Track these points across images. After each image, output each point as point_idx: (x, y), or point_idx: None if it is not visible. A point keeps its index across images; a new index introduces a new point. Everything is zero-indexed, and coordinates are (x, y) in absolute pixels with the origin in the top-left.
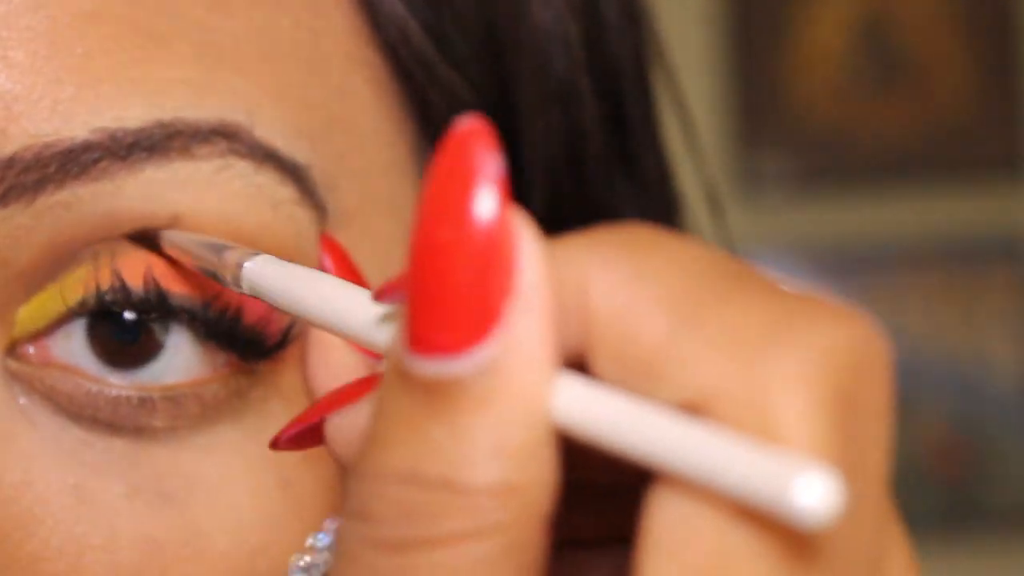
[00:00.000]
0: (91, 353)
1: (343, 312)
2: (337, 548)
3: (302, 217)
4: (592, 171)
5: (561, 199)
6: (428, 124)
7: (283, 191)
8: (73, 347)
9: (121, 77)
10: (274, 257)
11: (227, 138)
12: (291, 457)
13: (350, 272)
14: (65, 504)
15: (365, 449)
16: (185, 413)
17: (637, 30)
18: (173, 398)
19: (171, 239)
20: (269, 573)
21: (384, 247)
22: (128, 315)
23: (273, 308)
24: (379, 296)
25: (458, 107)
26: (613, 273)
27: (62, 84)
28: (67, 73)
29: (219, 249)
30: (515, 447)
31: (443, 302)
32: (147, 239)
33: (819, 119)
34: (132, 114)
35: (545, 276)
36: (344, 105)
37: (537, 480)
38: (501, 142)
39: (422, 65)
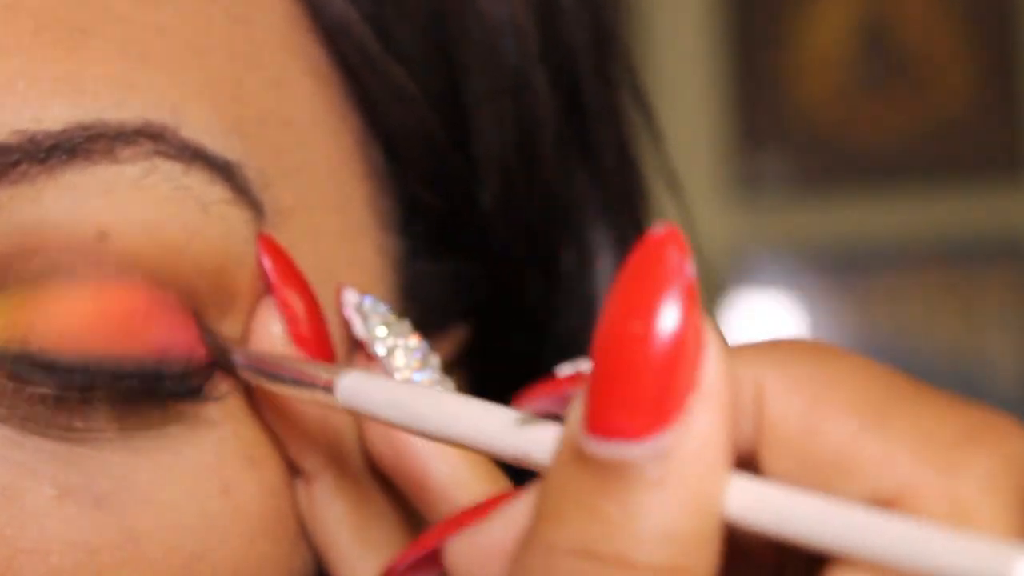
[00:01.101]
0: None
1: (471, 424)
2: None
3: (234, 217)
4: (547, 162)
5: (514, 190)
6: (373, 117)
7: (213, 191)
8: None
9: (40, 76)
10: (365, 372)
11: (152, 139)
12: (233, 464)
13: (289, 271)
14: None
15: (535, 525)
16: (103, 416)
17: (595, 17)
18: (89, 401)
19: (250, 356)
20: None
21: (327, 244)
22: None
23: (197, 344)
24: (522, 401)
25: (402, 99)
26: (791, 376)
27: None
28: None
29: (305, 367)
30: (684, 533)
31: (627, 388)
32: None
33: (819, 119)
34: (52, 115)
35: (726, 375)
36: (280, 98)
37: (700, 566)
38: (454, 132)
39: (364, 57)
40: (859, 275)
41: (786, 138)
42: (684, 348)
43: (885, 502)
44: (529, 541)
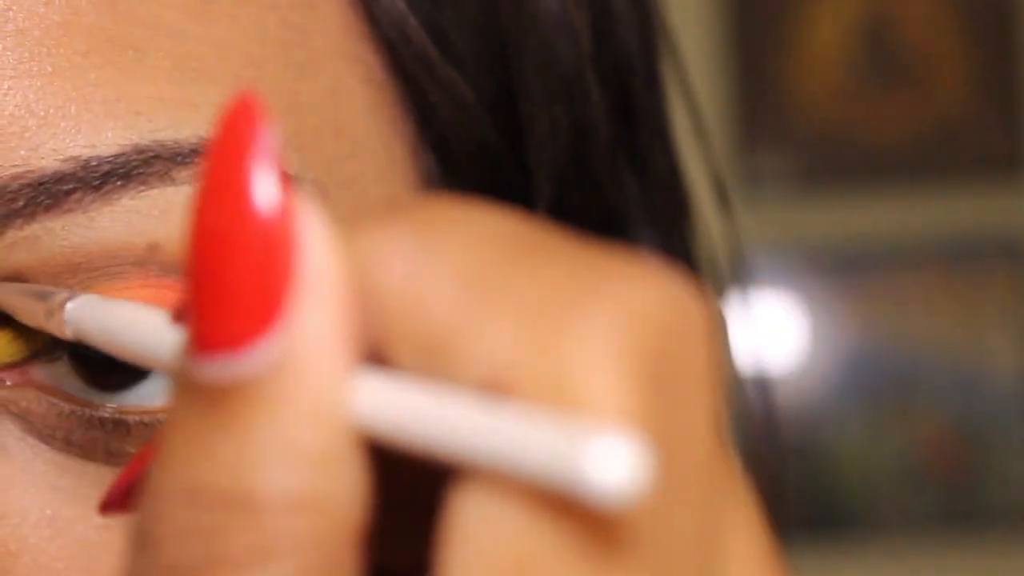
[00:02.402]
0: (75, 375)
1: (156, 343)
2: None
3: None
4: (599, 169)
5: (567, 199)
6: (428, 125)
7: None
8: (57, 369)
9: (93, 98)
10: (97, 296)
11: None
12: None
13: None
14: (43, 537)
15: (151, 468)
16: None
17: (646, 20)
18: (149, 423)
19: None
20: None
21: None
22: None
23: None
24: (178, 316)
25: (458, 106)
26: (403, 252)
27: (29, 108)
28: (35, 95)
29: (44, 295)
30: (309, 453)
31: (221, 295)
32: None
33: (819, 119)
34: (106, 139)
35: (334, 260)
36: (336, 108)
37: (339, 491)
38: (509, 140)
39: (422, 64)
40: (859, 274)
41: (786, 138)
42: (277, 235)
43: (492, 387)
44: (146, 487)
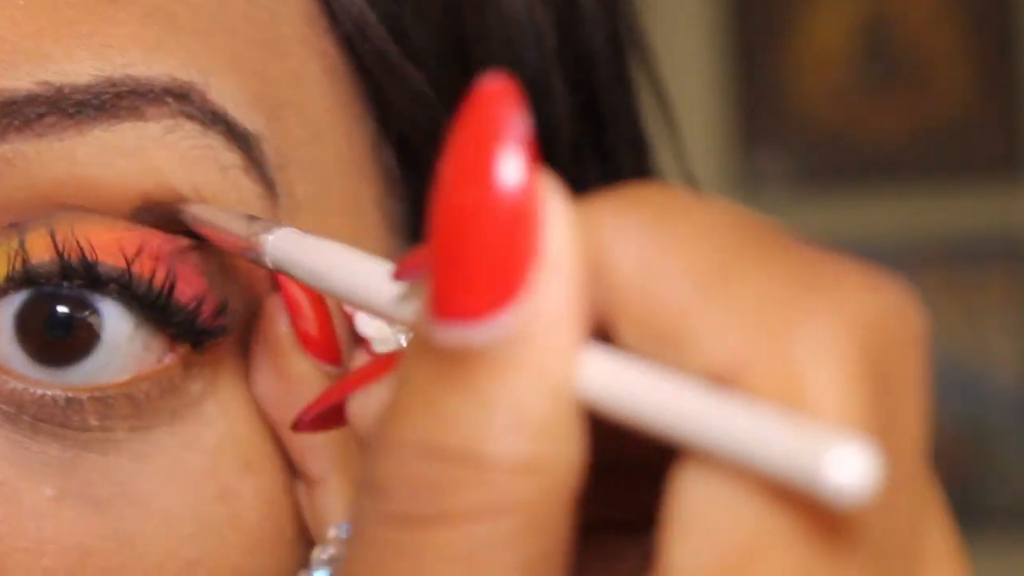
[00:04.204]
0: (20, 349)
1: (368, 287)
2: (351, 525)
3: (247, 187)
4: (563, 168)
5: None
6: (387, 121)
7: (229, 156)
8: (2, 343)
9: (67, 31)
10: (296, 229)
11: (178, 99)
12: (230, 468)
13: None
14: None
15: (383, 422)
16: (116, 414)
17: (614, 18)
18: (102, 399)
19: (195, 214)
20: None
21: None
22: (60, 308)
23: (207, 289)
24: (400, 274)
25: (418, 103)
26: (638, 237)
27: (3, 36)
28: (8, 24)
29: (246, 222)
30: (537, 419)
31: (465, 265)
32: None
33: (819, 119)
34: (79, 69)
35: (573, 240)
36: (300, 91)
37: (561, 456)
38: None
39: (380, 60)
40: None
41: (786, 137)
42: (523, 214)
43: (721, 378)
44: (376, 438)
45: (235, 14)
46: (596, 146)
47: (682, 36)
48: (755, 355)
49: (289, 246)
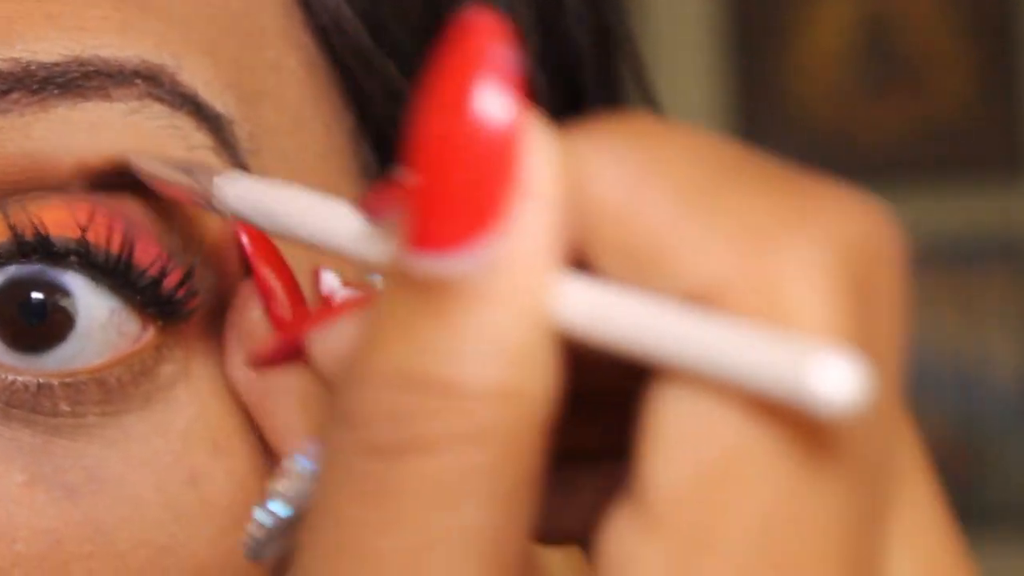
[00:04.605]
0: None
1: (328, 226)
2: (323, 456)
3: (219, 168)
4: None
5: None
6: (366, 117)
7: (198, 136)
8: None
9: (39, 13)
10: (244, 173)
11: (147, 80)
12: (200, 451)
13: (268, 251)
14: None
15: (357, 352)
16: (88, 400)
17: (599, 15)
18: (74, 384)
19: (140, 164)
20: (176, 573)
21: None
22: (35, 295)
23: (167, 256)
24: (366, 209)
25: (395, 99)
26: (616, 163)
27: None
28: None
29: (189, 171)
30: (514, 348)
31: (443, 194)
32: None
33: (819, 119)
34: (48, 48)
35: (552, 170)
36: (277, 81)
37: (536, 384)
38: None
39: (357, 55)
40: None
41: (786, 137)
42: (502, 143)
43: (702, 298)
44: (350, 369)
45: (212, 2)
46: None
47: (682, 36)
48: (736, 274)
49: (241, 191)
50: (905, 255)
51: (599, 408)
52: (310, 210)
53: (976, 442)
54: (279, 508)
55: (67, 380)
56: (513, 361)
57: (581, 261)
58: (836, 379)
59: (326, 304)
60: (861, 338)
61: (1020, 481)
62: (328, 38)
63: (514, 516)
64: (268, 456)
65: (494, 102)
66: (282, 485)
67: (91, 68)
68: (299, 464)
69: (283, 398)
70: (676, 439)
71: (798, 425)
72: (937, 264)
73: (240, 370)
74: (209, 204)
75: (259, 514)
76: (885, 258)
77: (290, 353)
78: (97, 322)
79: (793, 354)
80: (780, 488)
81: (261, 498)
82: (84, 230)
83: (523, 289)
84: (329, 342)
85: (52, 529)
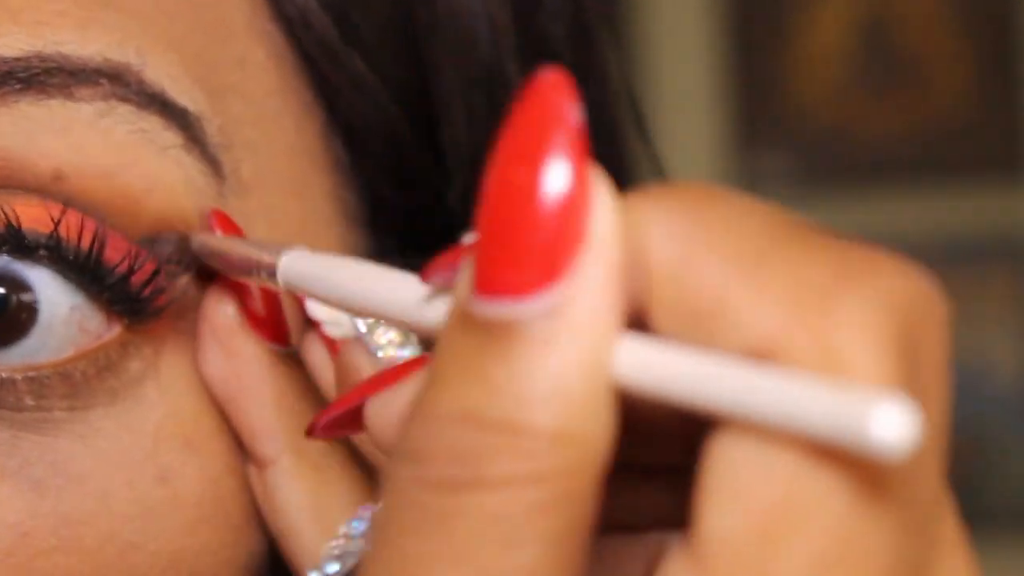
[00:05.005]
0: None
1: (388, 295)
2: (385, 490)
3: (191, 165)
4: None
5: None
6: (335, 109)
7: (167, 136)
8: None
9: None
10: (306, 248)
11: (111, 80)
12: (171, 449)
13: None
14: None
15: (423, 392)
16: (52, 393)
17: (577, 11)
18: (37, 379)
19: (202, 241)
20: (145, 569)
21: (285, 227)
22: None
23: (139, 252)
24: (427, 275)
25: (362, 92)
26: (672, 226)
27: None
28: None
29: (252, 246)
30: (574, 393)
31: (514, 242)
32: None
33: (819, 119)
34: (8, 43)
35: (616, 228)
36: (244, 75)
37: (595, 431)
38: (422, 128)
39: (324, 50)
40: None
41: (786, 137)
42: (572, 198)
43: (759, 354)
44: (416, 408)
45: None
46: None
47: (682, 36)
48: (793, 331)
49: (301, 265)
50: (950, 320)
51: (650, 481)
52: (371, 281)
53: (976, 442)
54: (333, 568)
55: (30, 374)
56: (573, 406)
57: (640, 323)
58: (894, 424)
59: (384, 370)
60: (910, 389)
61: (1020, 481)
62: (294, 31)
63: (568, 559)
64: (242, 454)
65: (566, 161)
66: (337, 547)
67: (52, 64)
68: (354, 529)
69: (257, 397)
70: (732, 487)
71: (850, 470)
72: (937, 264)
73: (214, 367)
74: (271, 278)
75: None
76: (932, 319)
77: (348, 421)
78: (59, 317)
79: (854, 402)
80: (834, 529)
81: (315, 561)
82: (56, 223)
83: (586, 337)
84: (385, 410)
85: (18, 523)
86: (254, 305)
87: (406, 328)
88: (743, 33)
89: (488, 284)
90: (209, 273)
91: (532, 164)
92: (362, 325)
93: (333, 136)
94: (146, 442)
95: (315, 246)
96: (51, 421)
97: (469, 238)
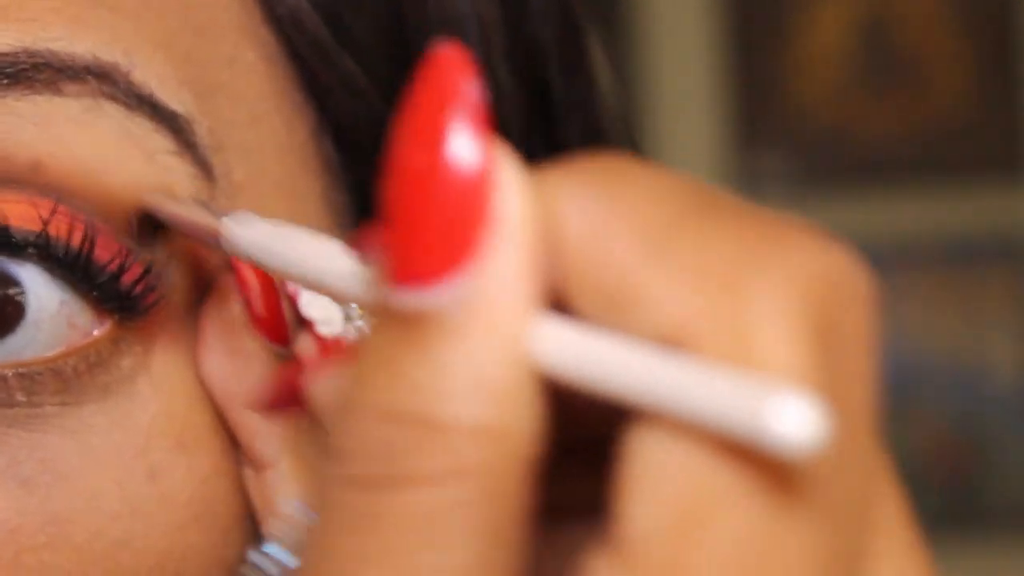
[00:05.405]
0: None
1: (324, 266)
2: (317, 491)
3: (181, 170)
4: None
5: None
6: (326, 112)
7: (156, 140)
8: None
9: None
10: (253, 213)
11: (99, 78)
12: (161, 447)
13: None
14: None
15: (347, 389)
16: (43, 390)
17: (565, 14)
18: (28, 375)
19: (156, 203)
20: (132, 567)
21: None
22: None
23: (128, 252)
24: (358, 246)
25: (354, 93)
26: (587, 202)
27: None
28: None
29: (204, 209)
30: (495, 384)
31: (419, 229)
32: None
33: (819, 119)
34: None
35: (525, 207)
36: (234, 76)
37: (519, 422)
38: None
39: (315, 50)
40: None
41: (786, 137)
42: (476, 177)
43: (671, 339)
44: (340, 407)
45: None
46: (548, 138)
47: (682, 36)
48: (703, 316)
49: (243, 231)
50: (871, 294)
51: (586, 462)
52: (308, 250)
53: (976, 442)
54: (274, 551)
55: (21, 370)
56: (494, 398)
57: (559, 302)
58: (794, 420)
59: (324, 348)
60: (826, 379)
61: (1020, 481)
62: (285, 31)
63: (499, 555)
64: (236, 454)
65: (466, 140)
66: (278, 529)
67: (40, 60)
68: (295, 508)
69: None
70: (650, 480)
71: (767, 466)
72: (937, 264)
73: (215, 366)
74: (217, 242)
75: (255, 557)
76: (851, 297)
77: (289, 397)
78: (47, 313)
79: (753, 396)
80: (750, 526)
81: (257, 543)
82: (46, 222)
83: (501, 325)
84: (327, 387)
85: (6, 519)
86: (255, 304)
87: (343, 301)
88: (743, 33)
89: (398, 273)
90: (202, 274)
91: (431, 144)
92: (326, 328)
93: (324, 137)
94: (138, 439)
95: None
96: (41, 417)
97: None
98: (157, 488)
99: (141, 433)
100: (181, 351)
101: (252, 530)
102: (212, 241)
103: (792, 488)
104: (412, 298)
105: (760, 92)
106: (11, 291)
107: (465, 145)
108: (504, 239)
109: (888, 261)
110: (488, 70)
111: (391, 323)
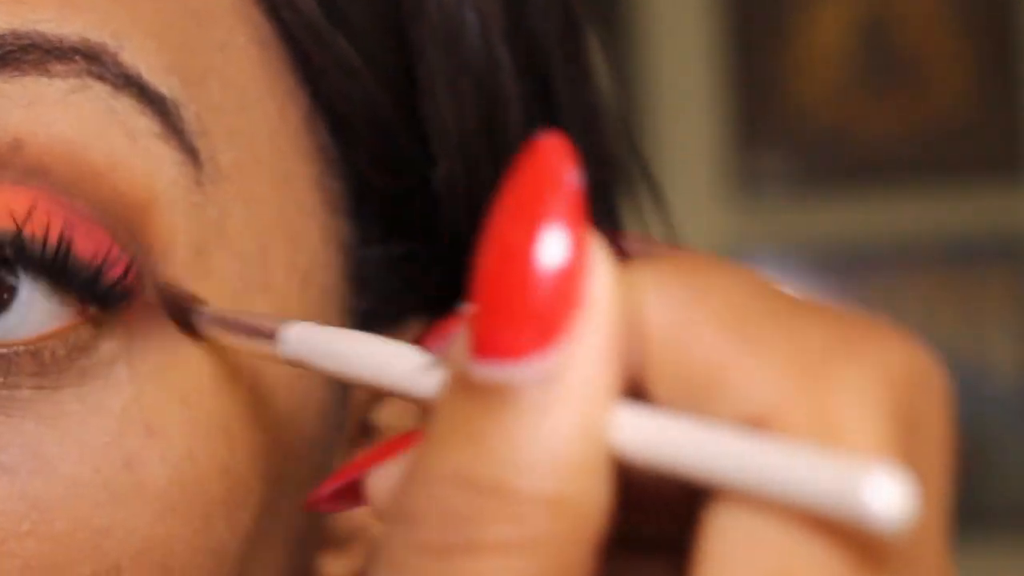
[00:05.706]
0: None
1: (386, 366)
2: (380, 553)
3: (164, 155)
4: (512, 145)
5: (476, 173)
6: (319, 93)
7: (141, 121)
8: None
9: None
10: (310, 323)
11: (88, 58)
12: (135, 435)
13: None
14: None
15: (419, 454)
16: (21, 371)
17: (565, 9)
18: (7, 355)
19: (210, 316)
20: (115, 555)
21: (265, 217)
22: None
23: (111, 246)
24: (425, 344)
25: (348, 75)
26: (669, 293)
27: None
28: None
29: (256, 319)
30: (569, 460)
31: (511, 306)
32: None
33: (819, 119)
34: None
35: (613, 294)
36: (225, 59)
37: (589, 499)
38: (408, 112)
39: (309, 32)
40: (859, 275)
41: (786, 137)
42: (569, 264)
43: (756, 423)
44: (412, 470)
45: None
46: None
47: (682, 36)
48: (788, 401)
49: (304, 339)
50: (949, 389)
51: (651, 558)
52: (370, 351)
53: (976, 442)
54: None
55: (1, 351)
56: (568, 473)
57: (637, 390)
58: (889, 495)
59: (383, 442)
60: (908, 461)
61: (1020, 481)
62: (279, 12)
63: None
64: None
65: (564, 227)
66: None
67: (28, 42)
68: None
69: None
70: (727, 557)
71: (846, 542)
72: (937, 264)
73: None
74: (272, 353)
75: None
76: (931, 393)
77: (349, 493)
78: (39, 292)
79: (847, 472)
80: None
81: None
82: (21, 224)
83: (582, 403)
84: (387, 481)
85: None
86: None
87: (404, 398)
88: (743, 33)
89: (484, 347)
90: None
91: (529, 228)
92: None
93: (317, 122)
94: (112, 425)
95: (293, 235)
96: (18, 400)
97: (466, 308)
98: (133, 476)
99: (115, 419)
100: (160, 338)
101: (237, 517)
102: (268, 353)
103: (872, 563)
104: (497, 371)
105: (760, 92)
106: (3, 275)
107: (562, 231)
108: (590, 324)
109: (888, 261)
110: (485, 57)
111: (469, 394)
